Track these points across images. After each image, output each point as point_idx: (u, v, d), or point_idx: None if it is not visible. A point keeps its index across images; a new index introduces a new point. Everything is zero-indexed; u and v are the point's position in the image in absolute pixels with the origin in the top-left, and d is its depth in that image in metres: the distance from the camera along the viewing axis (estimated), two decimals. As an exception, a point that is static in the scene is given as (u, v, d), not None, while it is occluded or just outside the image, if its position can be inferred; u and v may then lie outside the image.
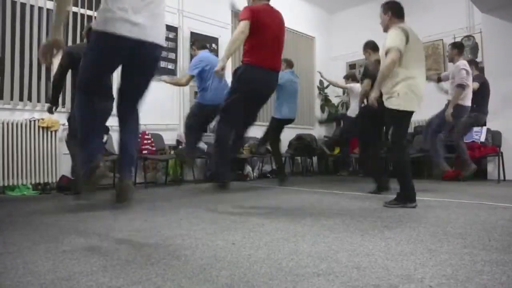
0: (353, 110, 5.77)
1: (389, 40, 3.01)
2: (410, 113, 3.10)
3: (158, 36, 2.24)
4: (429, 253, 1.66)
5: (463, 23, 6.45)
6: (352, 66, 8.14)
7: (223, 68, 2.81)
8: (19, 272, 1.44)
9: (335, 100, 8.22)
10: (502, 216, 2.61)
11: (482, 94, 4.73)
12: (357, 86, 5.83)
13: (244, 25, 2.73)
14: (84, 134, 2.21)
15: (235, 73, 2.96)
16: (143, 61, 2.25)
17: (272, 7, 2.93)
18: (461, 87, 4.25)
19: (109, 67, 2.31)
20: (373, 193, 3.91)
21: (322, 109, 8.27)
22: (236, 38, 2.82)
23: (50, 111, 3.82)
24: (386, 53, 3.00)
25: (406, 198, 3.02)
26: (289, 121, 5.07)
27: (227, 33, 6.42)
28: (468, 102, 4.41)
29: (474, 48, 6.26)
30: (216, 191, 2.86)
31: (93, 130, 2.24)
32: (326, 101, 8.22)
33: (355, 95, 5.75)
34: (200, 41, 4.95)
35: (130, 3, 2.08)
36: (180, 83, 4.65)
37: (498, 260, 1.54)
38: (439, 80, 4.76)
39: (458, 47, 4.55)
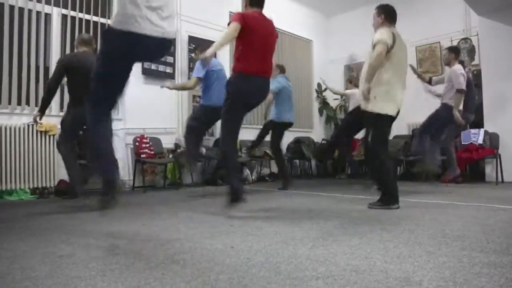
0: None
1: (378, 34, 3.11)
2: (389, 118, 3.15)
3: None
4: (427, 256, 1.66)
5: (460, 25, 6.48)
6: (350, 69, 8.17)
7: (207, 58, 2.83)
8: (17, 277, 1.43)
9: (333, 103, 8.24)
10: (500, 218, 2.61)
11: (467, 94, 4.58)
12: (356, 92, 5.85)
13: (235, 26, 2.78)
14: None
15: (227, 85, 2.98)
16: None
17: (264, 15, 2.98)
18: (462, 92, 4.29)
19: None
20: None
21: (320, 112, 8.29)
22: (228, 34, 2.85)
23: (35, 120, 3.65)
24: (374, 47, 3.08)
25: (390, 199, 3.09)
26: (290, 125, 5.09)
27: (225, 37, 6.44)
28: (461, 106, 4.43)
29: (471, 51, 6.29)
30: (233, 206, 2.78)
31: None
32: (324, 104, 8.24)
33: (355, 101, 5.77)
34: (204, 46, 4.92)
35: None
36: (188, 86, 4.61)
37: (497, 262, 1.55)
38: (430, 81, 4.83)
39: (455, 51, 4.58)
